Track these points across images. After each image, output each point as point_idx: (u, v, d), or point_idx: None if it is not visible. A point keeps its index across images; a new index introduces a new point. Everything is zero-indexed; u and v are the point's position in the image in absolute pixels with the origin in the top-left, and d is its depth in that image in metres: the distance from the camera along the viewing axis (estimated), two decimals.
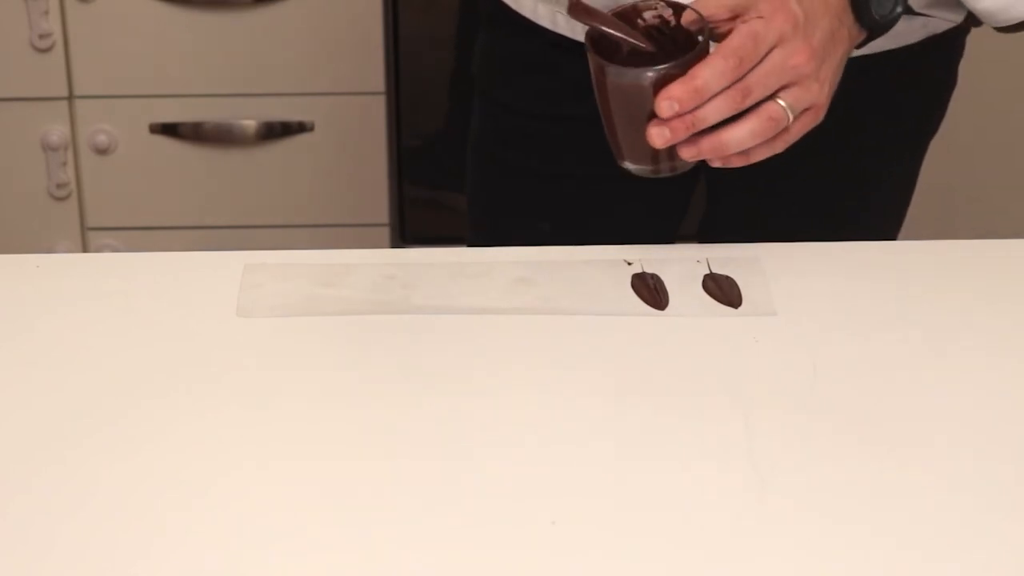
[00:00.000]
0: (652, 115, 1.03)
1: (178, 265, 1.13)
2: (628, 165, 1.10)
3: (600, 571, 0.84)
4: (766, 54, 1.03)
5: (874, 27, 1.10)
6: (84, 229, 2.29)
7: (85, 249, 2.29)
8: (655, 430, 0.95)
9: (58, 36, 2.16)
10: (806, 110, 1.05)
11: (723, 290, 1.09)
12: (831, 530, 0.87)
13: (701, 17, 1.04)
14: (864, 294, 1.09)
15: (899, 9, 1.10)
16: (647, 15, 1.08)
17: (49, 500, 0.88)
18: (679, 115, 1.02)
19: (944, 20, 1.22)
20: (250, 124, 2.24)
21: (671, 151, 1.06)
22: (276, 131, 2.24)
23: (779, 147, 1.06)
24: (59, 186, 2.23)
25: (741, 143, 1.04)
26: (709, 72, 1.01)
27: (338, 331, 1.04)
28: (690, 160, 1.05)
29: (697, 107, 1.02)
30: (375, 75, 2.22)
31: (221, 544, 0.85)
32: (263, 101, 2.23)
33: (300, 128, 2.24)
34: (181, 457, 0.92)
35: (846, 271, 1.12)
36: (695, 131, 1.03)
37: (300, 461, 0.92)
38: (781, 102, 1.04)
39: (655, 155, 1.07)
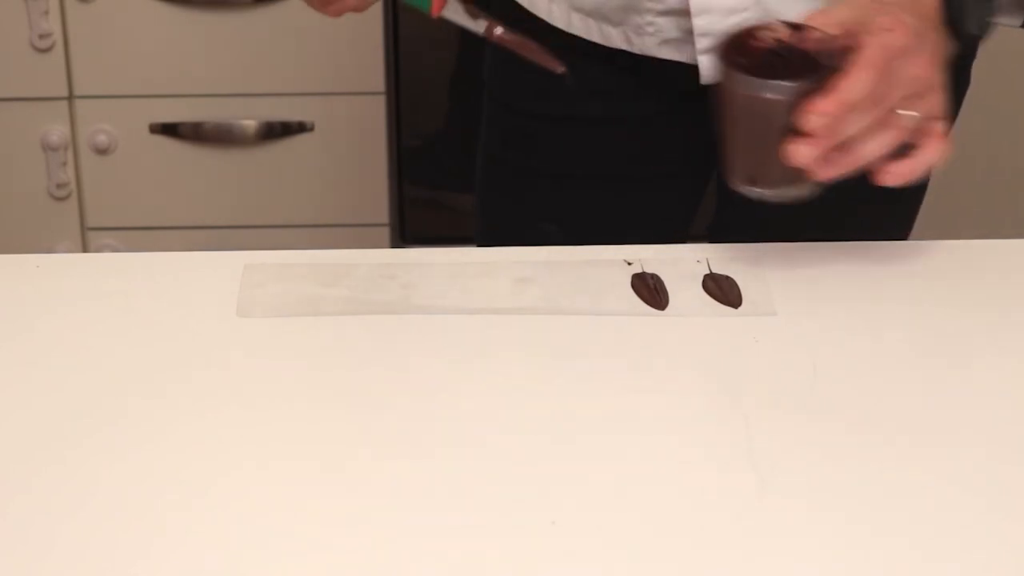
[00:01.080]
0: (785, 132, 1.02)
1: (178, 265, 1.13)
2: (747, 187, 1.08)
3: (600, 571, 0.84)
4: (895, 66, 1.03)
5: (966, 42, 1.11)
6: (84, 229, 2.29)
7: (85, 249, 2.29)
8: (655, 430, 0.95)
9: (58, 36, 2.16)
10: (935, 118, 1.06)
11: (723, 290, 1.09)
12: (831, 530, 0.87)
13: (827, 35, 1.03)
14: (864, 294, 1.09)
15: (989, 19, 1.11)
16: (762, 35, 1.06)
17: (49, 500, 0.88)
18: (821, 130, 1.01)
19: (1009, 24, 1.23)
20: (250, 124, 2.24)
21: (794, 173, 1.04)
22: (276, 131, 2.24)
23: (938, 157, 1.06)
24: (59, 186, 2.23)
25: (875, 155, 1.04)
26: (853, 85, 1.01)
27: (338, 331, 1.04)
28: (827, 178, 1.03)
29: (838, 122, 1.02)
30: (375, 75, 2.22)
31: (221, 544, 0.85)
32: (263, 101, 2.23)
33: (300, 128, 2.24)
34: (181, 457, 0.92)
35: (846, 271, 1.12)
36: (833, 145, 1.02)
37: (300, 461, 0.92)
38: (910, 112, 1.04)
39: (781, 176, 1.05)
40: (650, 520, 0.87)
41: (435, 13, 1.04)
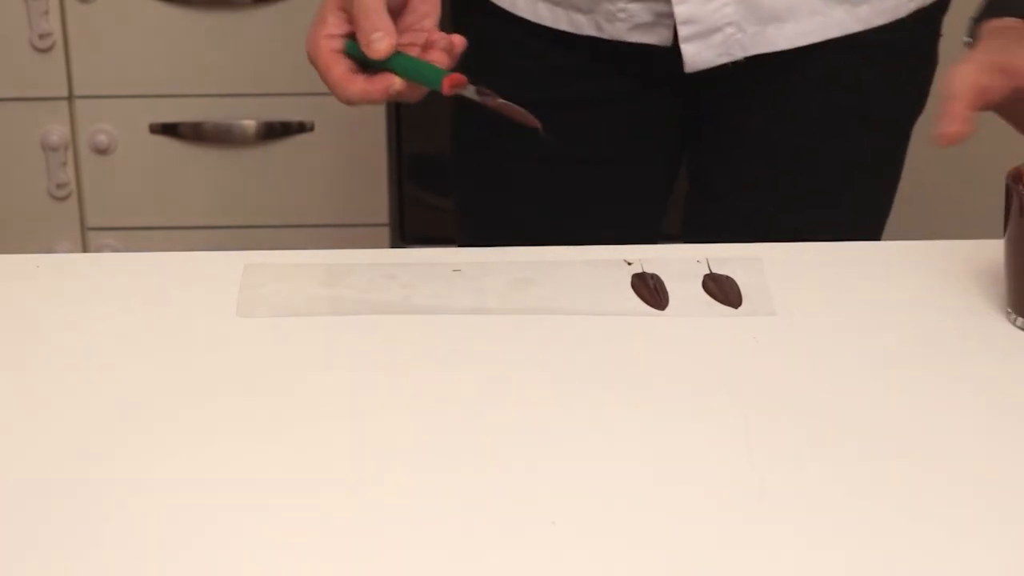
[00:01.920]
0: None
1: (178, 265, 1.13)
2: None
3: (600, 571, 0.84)
4: None
5: None
6: (84, 229, 2.29)
7: (85, 249, 2.29)
8: (655, 430, 0.95)
9: (58, 36, 2.16)
10: None
11: (723, 290, 1.09)
12: (830, 530, 0.87)
13: None
14: (864, 294, 1.09)
15: None
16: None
17: (44, 499, 0.88)
18: None
19: None
20: (250, 124, 2.24)
21: None
22: (276, 131, 2.24)
23: None
24: (59, 186, 2.23)
25: None
26: None
27: (338, 331, 1.04)
28: None
29: None
30: None
31: (219, 543, 0.85)
32: (263, 101, 2.23)
33: (300, 128, 2.24)
34: (179, 457, 0.92)
35: (846, 271, 1.12)
36: None
37: (299, 461, 0.92)
38: None
39: None
40: (650, 520, 0.87)
41: (447, 91, 1.06)
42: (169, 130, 2.23)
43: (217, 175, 2.27)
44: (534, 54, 1.32)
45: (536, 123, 1.06)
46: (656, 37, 1.27)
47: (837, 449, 0.93)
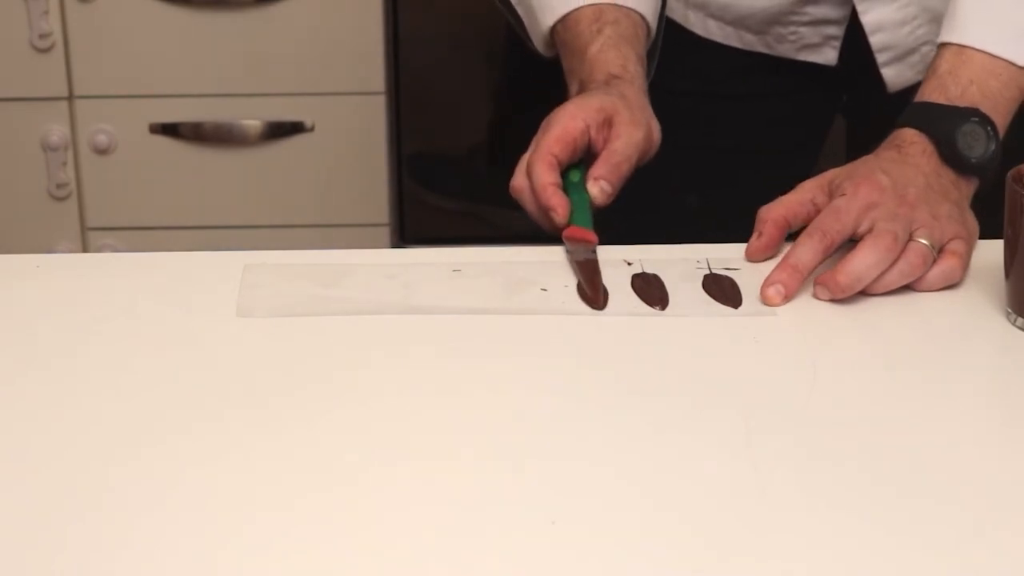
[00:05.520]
0: None
1: (178, 265, 1.13)
2: None
3: (600, 571, 0.84)
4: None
5: (975, 170, 1.14)
6: (84, 229, 2.29)
7: (85, 249, 2.29)
8: (655, 430, 0.95)
9: (58, 36, 2.16)
10: (952, 241, 1.10)
11: (723, 290, 1.09)
12: (831, 530, 0.86)
13: None
14: (863, 294, 1.09)
15: (992, 146, 1.14)
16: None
17: (40, 498, 0.88)
18: None
19: None
20: (251, 124, 2.24)
21: None
22: (276, 131, 2.24)
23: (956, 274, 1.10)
24: (59, 186, 2.24)
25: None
26: None
27: (338, 331, 1.04)
28: None
29: None
30: (375, 75, 2.22)
31: (215, 541, 0.85)
32: (263, 101, 2.23)
33: (300, 128, 2.25)
34: (178, 457, 0.92)
35: None
36: None
37: (299, 461, 0.92)
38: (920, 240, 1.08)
39: None
40: (650, 520, 0.87)
41: (564, 236, 1.14)
42: (169, 130, 2.23)
43: (217, 175, 2.27)
44: (709, 57, 1.38)
45: (598, 305, 1.07)
46: (822, 57, 1.34)
47: (837, 449, 0.93)
